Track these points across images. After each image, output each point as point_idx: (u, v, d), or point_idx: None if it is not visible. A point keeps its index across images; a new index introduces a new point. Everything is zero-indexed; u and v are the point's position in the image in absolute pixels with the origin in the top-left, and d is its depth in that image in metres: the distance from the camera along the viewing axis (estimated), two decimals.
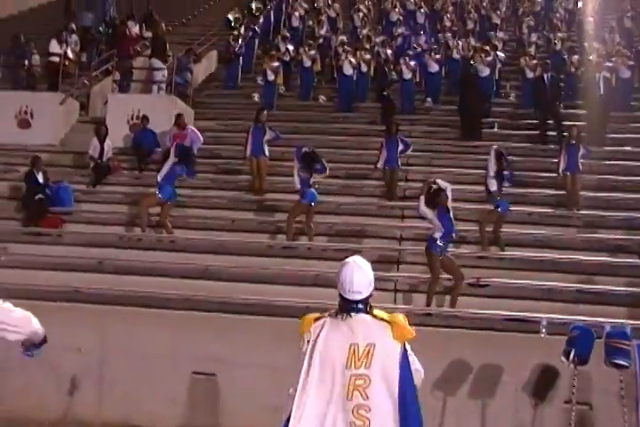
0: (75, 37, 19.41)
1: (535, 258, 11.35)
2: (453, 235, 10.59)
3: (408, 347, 4.06)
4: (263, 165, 13.89)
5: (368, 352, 3.98)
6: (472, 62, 17.50)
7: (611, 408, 8.15)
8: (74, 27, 19.88)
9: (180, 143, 13.24)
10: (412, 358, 4.10)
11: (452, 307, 10.34)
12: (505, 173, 11.99)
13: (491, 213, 11.82)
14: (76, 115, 17.05)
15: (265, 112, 14.40)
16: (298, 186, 12.25)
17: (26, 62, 17.43)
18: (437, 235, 10.38)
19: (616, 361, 7.96)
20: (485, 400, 8.88)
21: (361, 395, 3.95)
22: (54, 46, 17.87)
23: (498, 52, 18.25)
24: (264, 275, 11.38)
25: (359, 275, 4.03)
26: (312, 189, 12.26)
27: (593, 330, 8.27)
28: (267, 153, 13.97)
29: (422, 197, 10.76)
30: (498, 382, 8.93)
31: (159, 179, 12.46)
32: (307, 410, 3.96)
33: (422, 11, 22.33)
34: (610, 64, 16.93)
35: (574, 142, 13.25)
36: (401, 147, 13.89)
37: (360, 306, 4.02)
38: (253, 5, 22.02)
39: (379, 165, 13.81)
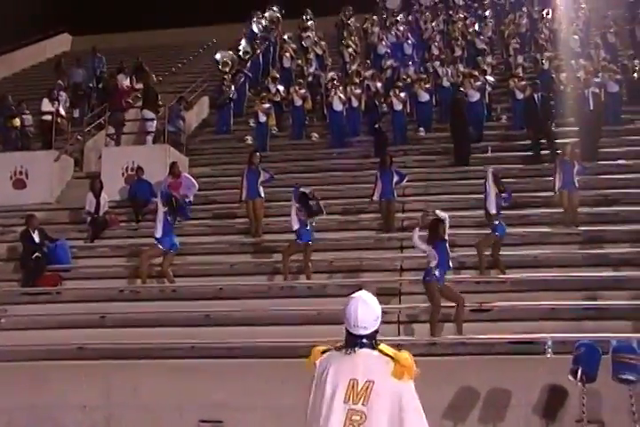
0: (64, 95, 19.65)
1: (536, 278, 11.23)
2: (450, 264, 10.48)
3: (411, 387, 3.96)
4: (259, 206, 13.89)
5: (367, 389, 3.93)
6: (461, 88, 17.55)
7: (623, 425, 7.98)
8: (62, 84, 20.14)
9: (164, 190, 13.19)
10: (413, 399, 3.98)
11: (458, 333, 10.20)
12: (503, 194, 11.92)
13: (487, 237, 11.73)
14: (71, 171, 17.23)
15: (257, 154, 14.46)
16: (295, 226, 12.20)
17: (17, 122, 17.56)
18: (433, 264, 10.30)
19: (624, 376, 7.87)
20: (496, 425, 8.76)
21: None
22: (46, 105, 18.12)
23: (487, 77, 18.32)
24: (265, 317, 11.33)
25: (364, 310, 3.99)
26: (308, 228, 12.20)
27: (599, 346, 8.16)
28: (262, 195, 13.97)
29: (416, 229, 10.72)
30: (507, 406, 8.84)
31: (157, 235, 12.37)
32: None
33: (410, 42, 22.51)
34: (598, 79, 16.95)
35: (568, 159, 13.20)
36: (396, 178, 13.88)
37: (365, 341, 3.99)
38: (242, 48, 22.25)
39: (374, 198, 13.79)
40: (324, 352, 4.10)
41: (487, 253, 11.63)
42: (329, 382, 3.98)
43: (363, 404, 3.91)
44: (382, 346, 4.03)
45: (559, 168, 13.08)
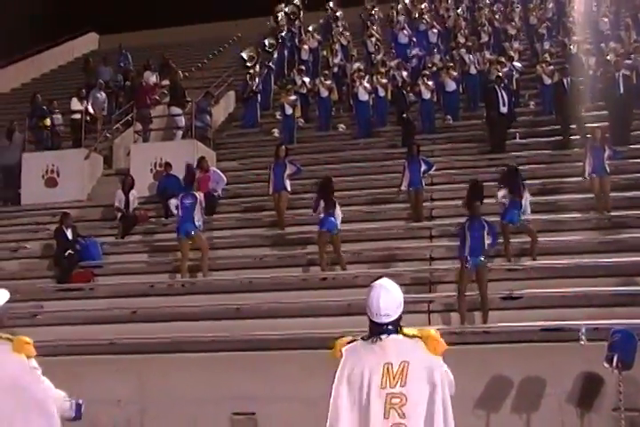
0: (103, 94, 19.81)
1: (568, 265, 11.07)
2: None
3: (443, 364, 3.96)
4: (284, 199, 13.86)
5: (402, 370, 3.92)
6: (498, 74, 17.30)
7: None
8: (102, 82, 20.33)
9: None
10: (448, 372, 3.99)
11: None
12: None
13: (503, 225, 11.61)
14: (101, 168, 17.39)
15: (283, 147, 14.41)
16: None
17: (48, 122, 17.75)
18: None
19: None
20: (530, 414, 8.69)
21: (398, 413, 3.89)
22: (75, 104, 18.26)
23: (514, 63, 18.09)
24: (295, 309, 11.33)
25: (386, 298, 3.98)
26: (331, 218, 12.16)
27: (635, 333, 8.02)
28: (288, 188, 13.93)
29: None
30: (541, 395, 8.75)
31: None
32: None
33: (435, 30, 22.32)
34: (629, 62, 16.65)
35: (598, 144, 12.96)
36: (424, 167, 13.77)
37: (390, 328, 3.98)
38: (267, 42, 22.27)
39: (402, 187, 13.69)
40: (349, 343, 4.08)
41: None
42: (361, 371, 3.96)
43: (401, 385, 3.90)
44: (406, 329, 4.01)
45: (589, 153, 12.85)
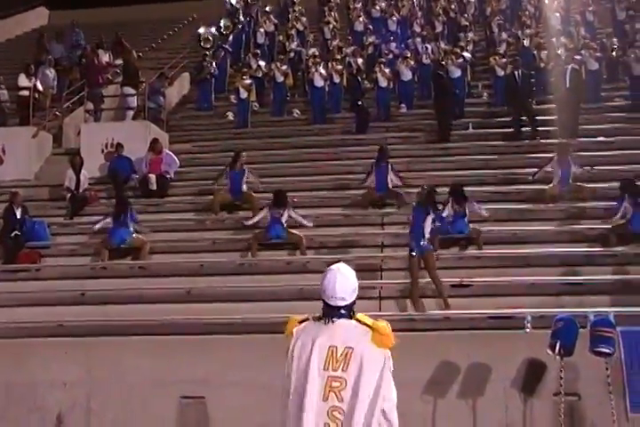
0: (52, 71, 19.39)
1: (516, 254, 11.29)
2: None
3: (389, 355, 4.03)
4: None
5: (346, 355, 3.99)
6: (442, 63, 17.48)
7: (599, 396, 8.14)
8: (51, 59, 19.89)
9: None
10: (389, 368, 4.07)
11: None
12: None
13: None
14: (50, 147, 17.02)
15: (244, 154, 14.18)
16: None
17: None
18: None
19: (600, 349, 7.99)
20: (475, 399, 8.87)
21: (336, 397, 3.97)
22: (23, 80, 17.78)
23: (464, 53, 18.26)
24: (246, 293, 11.31)
25: (342, 282, 4.05)
26: (279, 226, 12.21)
27: (577, 320, 8.24)
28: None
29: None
30: (487, 380, 8.95)
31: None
32: (291, 412, 4.00)
33: (394, 18, 22.36)
34: (578, 57, 16.97)
35: (565, 159, 13.00)
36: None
37: (343, 312, 4.05)
38: (222, 23, 22.05)
39: (367, 184, 13.64)
40: (301, 322, 4.15)
41: None
42: (307, 350, 4.03)
43: (342, 370, 3.97)
44: (360, 315, 4.09)
45: (558, 167, 12.90)
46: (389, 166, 13.49)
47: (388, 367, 4.05)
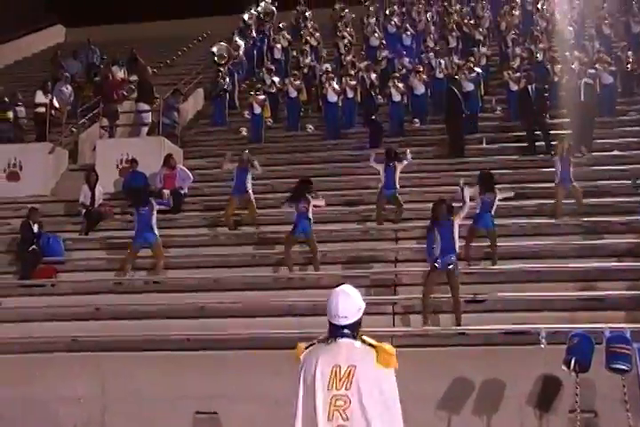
0: (69, 87, 19.58)
1: (531, 269, 11.24)
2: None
3: (393, 374, 4.05)
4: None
5: (349, 374, 4.01)
6: (456, 77, 17.50)
7: (615, 414, 8.04)
8: (67, 76, 20.09)
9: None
10: (394, 388, 4.08)
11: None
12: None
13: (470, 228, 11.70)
14: (66, 163, 17.18)
15: (246, 151, 14.48)
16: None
17: (10, 115, 17.48)
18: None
19: (616, 366, 7.89)
20: (490, 416, 8.80)
21: (341, 416, 3.99)
22: (40, 97, 17.99)
23: (475, 68, 18.28)
24: (260, 308, 11.33)
25: (345, 301, 4.10)
26: (306, 221, 12.13)
27: (593, 337, 8.18)
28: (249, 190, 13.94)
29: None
30: (501, 397, 8.87)
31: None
32: None
33: (409, 33, 22.44)
34: (592, 71, 16.96)
35: (565, 155, 13.05)
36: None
37: (346, 331, 4.08)
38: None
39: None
40: (307, 347, 4.19)
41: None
42: (312, 372, 4.05)
43: (346, 388, 3.99)
44: (364, 337, 4.12)
45: (558, 163, 12.96)
46: (396, 167, 13.57)
47: (392, 386, 4.07)
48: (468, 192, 11.12)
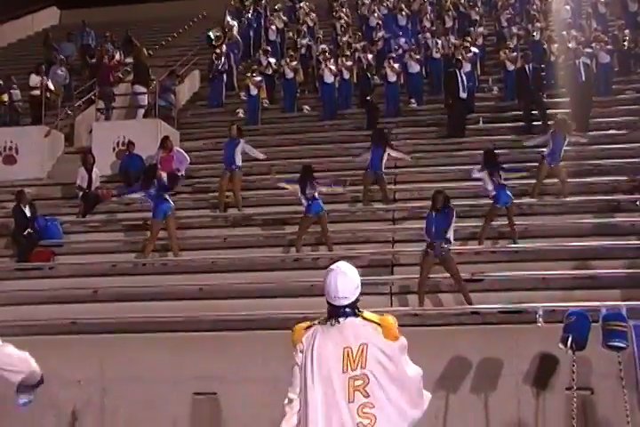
0: (64, 70, 19.48)
1: (527, 249, 11.27)
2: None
3: (404, 343, 4.07)
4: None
5: (362, 352, 4.00)
6: (457, 58, 17.40)
7: (612, 391, 8.09)
8: (63, 58, 19.98)
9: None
10: (406, 357, 4.12)
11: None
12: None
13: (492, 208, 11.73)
14: (62, 146, 17.14)
15: (234, 126, 14.44)
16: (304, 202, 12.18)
17: (5, 98, 17.41)
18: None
19: (613, 343, 7.93)
20: (487, 394, 8.86)
21: (362, 394, 3.98)
22: (34, 80, 17.90)
23: (472, 47, 18.19)
24: (258, 289, 11.34)
25: (344, 281, 4.06)
26: (318, 201, 12.13)
27: (589, 314, 8.21)
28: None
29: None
30: (499, 375, 8.93)
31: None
32: (312, 419, 3.98)
33: (404, 13, 22.30)
34: (589, 50, 16.89)
35: (559, 132, 13.04)
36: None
37: (347, 310, 4.06)
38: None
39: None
40: (307, 328, 4.14)
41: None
42: (321, 356, 4.02)
43: (361, 367, 3.99)
44: (366, 313, 4.10)
45: (551, 140, 12.99)
46: (385, 148, 13.51)
47: (405, 355, 4.10)
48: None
